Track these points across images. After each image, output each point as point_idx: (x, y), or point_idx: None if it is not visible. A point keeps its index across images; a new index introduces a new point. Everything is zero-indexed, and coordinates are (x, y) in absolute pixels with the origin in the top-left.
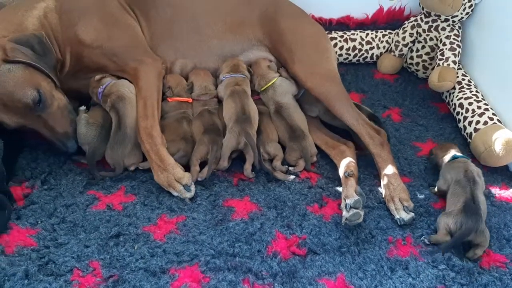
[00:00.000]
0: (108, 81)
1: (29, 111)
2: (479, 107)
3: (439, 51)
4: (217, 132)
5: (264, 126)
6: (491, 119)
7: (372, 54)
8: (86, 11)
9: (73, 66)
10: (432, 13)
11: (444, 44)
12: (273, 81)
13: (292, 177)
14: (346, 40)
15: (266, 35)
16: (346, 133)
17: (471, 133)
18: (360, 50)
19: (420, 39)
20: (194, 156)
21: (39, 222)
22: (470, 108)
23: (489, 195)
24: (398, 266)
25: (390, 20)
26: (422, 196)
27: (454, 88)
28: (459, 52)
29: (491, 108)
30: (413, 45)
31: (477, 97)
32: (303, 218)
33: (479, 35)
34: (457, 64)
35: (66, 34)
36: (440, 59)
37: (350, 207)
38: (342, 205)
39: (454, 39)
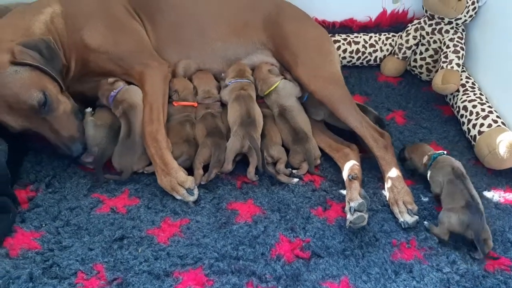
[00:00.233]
0: (121, 86)
1: (34, 114)
2: (483, 110)
3: (443, 53)
4: (220, 135)
5: (267, 129)
6: (495, 121)
7: (376, 57)
8: (92, 16)
9: (79, 71)
10: (436, 16)
11: (448, 47)
12: (275, 85)
13: (295, 180)
14: (349, 43)
15: (270, 38)
16: (352, 136)
17: (475, 135)
18: (363, 53)
19: (424, 41)
20: (197, 160)
21: (44, 225)
22: (474, 110)
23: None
24: (402, 270)
25: (394, 23)
26: (426, 199)
27: (458, 90)
28: (462, 54)
29: (495, 111)
30: (417, 48)
31: (481, 100)
32: (307, 221)
33: (482, 38)
34: (460, 67)
35: (72, 39)
36: (443, 62)
37: (354, 210)
38: (346, 208)
39: (457, 41)
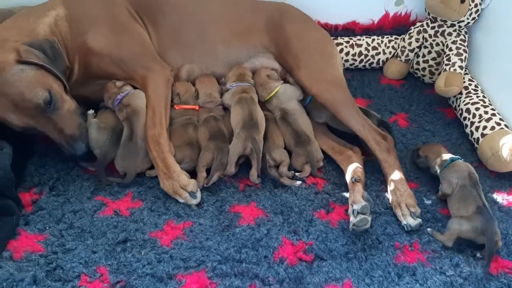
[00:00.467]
0: (128, 90)
1: (39, 112)
2: (486, 112)
3: (446, 56)
4: (223, 139)
5: (270, 132)
6: (498, 124)
7: (378, 59)
8: (96, 20)
9: (82, 74)
10: (438, 19)
11: (451, 50)
12: (275, 91)
13: (298, 182)
14: (352, 46)
15: (272, 41)
16: (354, 139)
17: (478, 138)
18: (366, 55)
19: (426, 44)
20: (200, 163)
21: (47, 228)
22: (477, 113)
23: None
24: (406, 272)
25: (396, 26)
26: (429, 202)
27: (461, 93)
28: (465, 57)
29: (498, 113)
30: (419, 50)
31: (484, 102)
32: (310, 224)
33: (485, 40)
34: (463, 69)
35: (76, 42)
36: (446, 64)
37: (358, 213)
38: (349, 211)
39: (460, 44)
